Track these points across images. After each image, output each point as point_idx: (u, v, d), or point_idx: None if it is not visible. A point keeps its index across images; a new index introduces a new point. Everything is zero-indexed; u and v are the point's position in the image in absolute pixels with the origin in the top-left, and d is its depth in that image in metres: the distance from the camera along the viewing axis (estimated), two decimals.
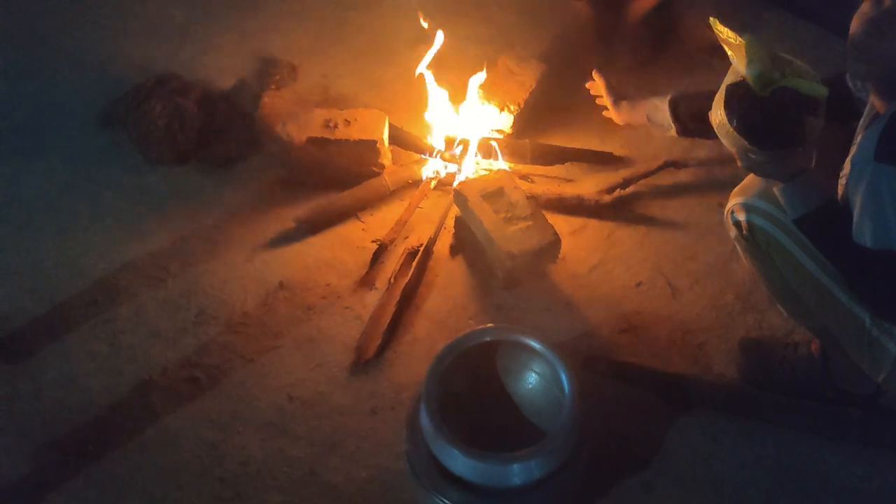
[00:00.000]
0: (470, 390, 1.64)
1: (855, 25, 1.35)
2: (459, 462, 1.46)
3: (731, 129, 1.46)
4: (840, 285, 1.54)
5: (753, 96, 1.43)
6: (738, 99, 1.45)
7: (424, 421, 1.50)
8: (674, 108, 1.88)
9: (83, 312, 2.09)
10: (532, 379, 1.67)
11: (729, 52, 1.46)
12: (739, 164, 1.53)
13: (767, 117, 1.42)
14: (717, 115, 1.50)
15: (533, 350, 1.59)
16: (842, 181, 1.53)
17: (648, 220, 2.32)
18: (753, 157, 1.48)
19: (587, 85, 2.06)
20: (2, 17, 3.02)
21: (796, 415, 1.84)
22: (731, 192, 1.70)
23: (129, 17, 3.02)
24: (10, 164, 2.48)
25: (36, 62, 2.83)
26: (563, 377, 1.53)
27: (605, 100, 2.05)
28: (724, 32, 1.44)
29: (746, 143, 1.45)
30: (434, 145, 2.43)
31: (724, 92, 1.48)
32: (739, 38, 1.40)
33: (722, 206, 1.75)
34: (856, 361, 1.63)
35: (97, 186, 2.42)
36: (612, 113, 2.04)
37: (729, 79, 1.50)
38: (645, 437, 1.84)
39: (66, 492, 1.75)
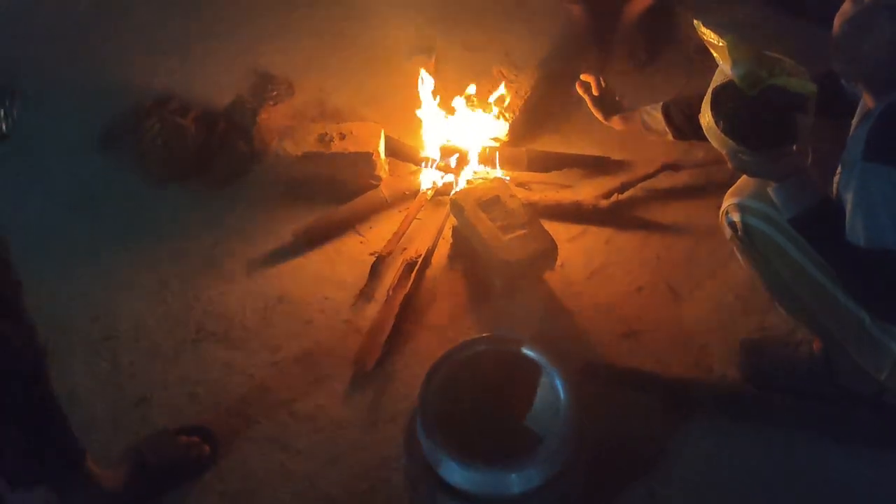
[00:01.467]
0: (467, 400, 1.63)
1: (837, 25, 1.34)
2: (457, 473, 1.45)
3: (719, 131, 1.45)
4: (838, 285, 1.53)
5: (741, 97, 1.42)
6: (725, 100, 1.45)
7: (420, 433, 1.49)
8: (667, 113, 1.88)
9: (85, 330, 2.10)
10: None
11: (714, 54, 1.46)
12: (730, 165, 1.52)
13: (755, 117, 1.42)
14: (706, 117, 1.50)
15: (528, 358, 1.58)
16: (836, 179, 1.52)
17: (647, 224, 2.31)
18: (744, 157, 1.47)
19: (576, 85, 2.06)
20: (3, 42, 3.06)
21: (800, 416, 1.82)
22: None
23: (129, 38, 3.06)
24: (14, 187, 2.51)
25: (37, 85, 2.86)
26: (559, 384, 1.52)
27: (587, 99, 2.04)
28: (706, 34, 1.43)
29: (735, 144, 1.44)
30: (431, 156, 2.43)
31: (711, 94, 1.48)
32: (722, 40, 1.40)
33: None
34: (857, 360, 1.61)
35: (99, 206, 2.45)
36: (594, 111, 2.04)
37: (716, 80, 1.50)
38: (648, 443, 1.82)
39: None
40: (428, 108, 2.43)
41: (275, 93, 2.73)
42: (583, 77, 2.05)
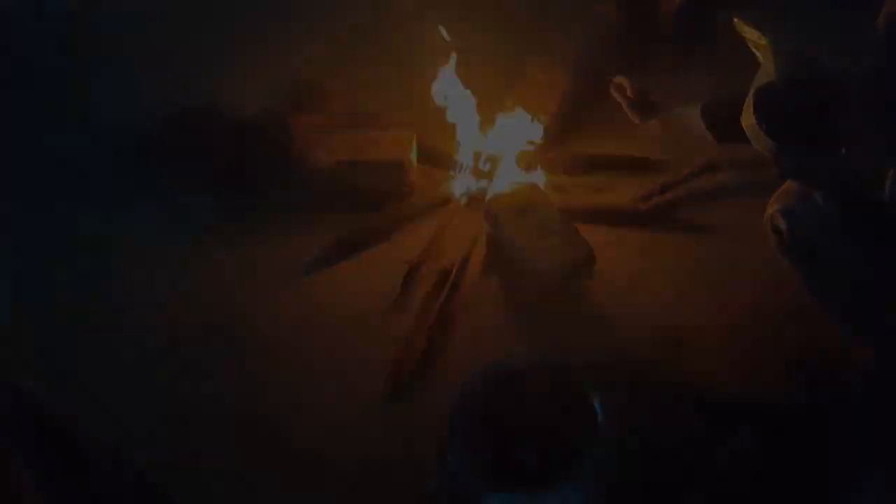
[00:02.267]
0: (501, 417, 1.58)
1: (883, 26, 1.25)
2: (490, 495, 1.41)
3: (763, 133, 1.38)
4: (891, 290, 1.44)
5: (783, 97, 1.35)
6: (768, 101, 1.38)
7: (452, 453, 1.45)
8: (707, 115, 1.80)
9: (119, 346, 2.10)
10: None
11: (756, 53, 1.39)
12: (774, 168, 1.45)
13: (799, 119, 1.34)
14: (748, 119, 1.43)
15: (565, 375, 1.53)
16: (888, 182, 1.43)
17: (689, 227, 2.23)
18: (788, 160, 1.40)
19: (611, 89, 2.00)
20: (36, 58, 3.11)
21: (853, 433, 1.72)
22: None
23: (162, 49, 3.07)
24: (48, 198, 2.56)
25: (71, 100, 2.90)
26: (597, 402, 1.46)
27: (622, 102, 1.98)
28: (748, 33, 1.36)
29: (779, 146, 1.37)
30: (464, 161, 2.39)
31: (753, 95, 1.41)
32: (763, 38, 1.33)
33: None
34: None
35: (132, 217, 2.46)
36: (630, 114, 1.98)
37: (758, 81, 1.43)
38: (696, 459, 1.74)
39: None
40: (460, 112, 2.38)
41: (307, 100, 2.72)
42: (616, 80, 1.98)
